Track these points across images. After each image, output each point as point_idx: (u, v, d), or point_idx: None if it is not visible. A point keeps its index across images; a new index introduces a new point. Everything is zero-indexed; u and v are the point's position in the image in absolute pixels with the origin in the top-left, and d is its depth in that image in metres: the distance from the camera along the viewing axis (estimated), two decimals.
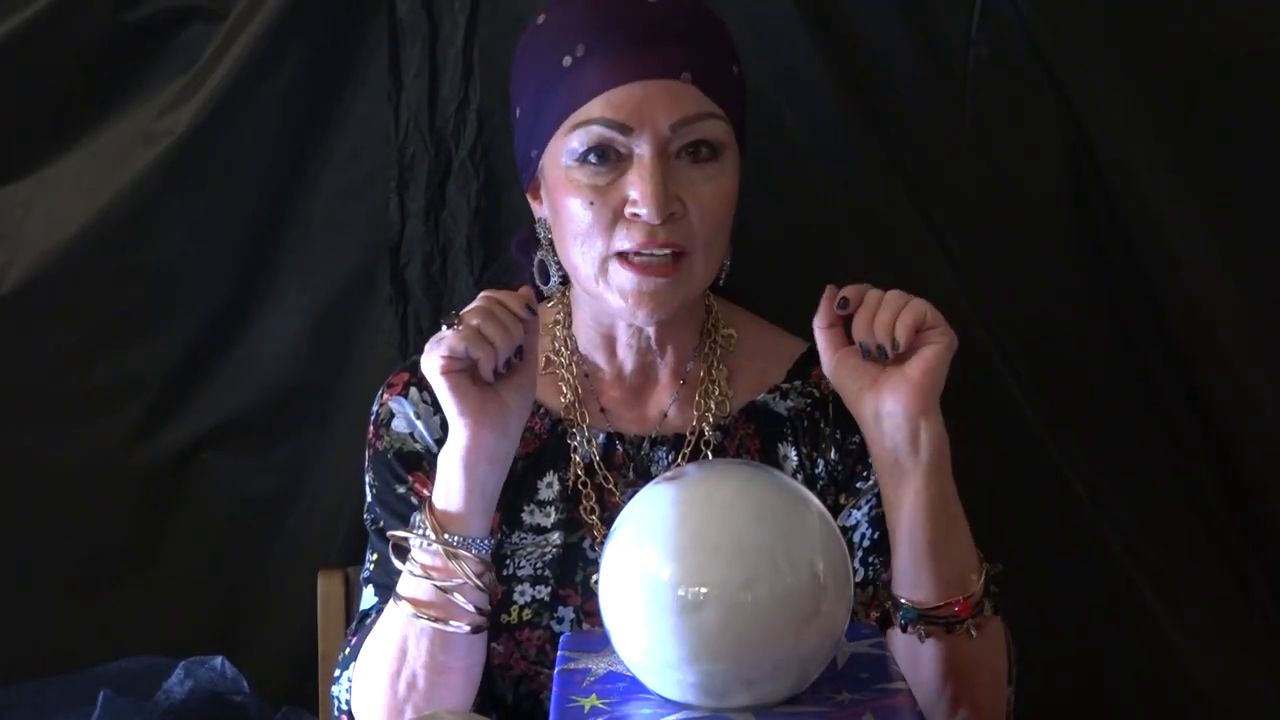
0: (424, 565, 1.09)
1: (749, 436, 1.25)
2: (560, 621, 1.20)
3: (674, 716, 0.95)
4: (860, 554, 1.22)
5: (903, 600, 1.11)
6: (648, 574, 0.94)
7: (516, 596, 1.20)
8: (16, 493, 1.53)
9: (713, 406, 1.25)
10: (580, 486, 1.22)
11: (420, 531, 1.09)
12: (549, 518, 1.22)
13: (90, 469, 1.53)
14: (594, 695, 0.98)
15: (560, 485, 1.23)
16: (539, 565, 1.21)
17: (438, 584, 1.09)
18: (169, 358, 1.54)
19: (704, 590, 0.92)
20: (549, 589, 1.20)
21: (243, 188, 1.53)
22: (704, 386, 1.25)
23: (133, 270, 1.52)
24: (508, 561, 1.21)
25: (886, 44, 1.49)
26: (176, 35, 1.52)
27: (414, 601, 1.10)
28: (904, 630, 1.11)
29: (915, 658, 1.11)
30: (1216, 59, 1.48)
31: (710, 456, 1.23)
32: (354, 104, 1.54)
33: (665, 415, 1.25)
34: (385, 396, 1.25)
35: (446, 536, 1.08)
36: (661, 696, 0.97)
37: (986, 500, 1.35)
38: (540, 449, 1.24)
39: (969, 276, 1.50)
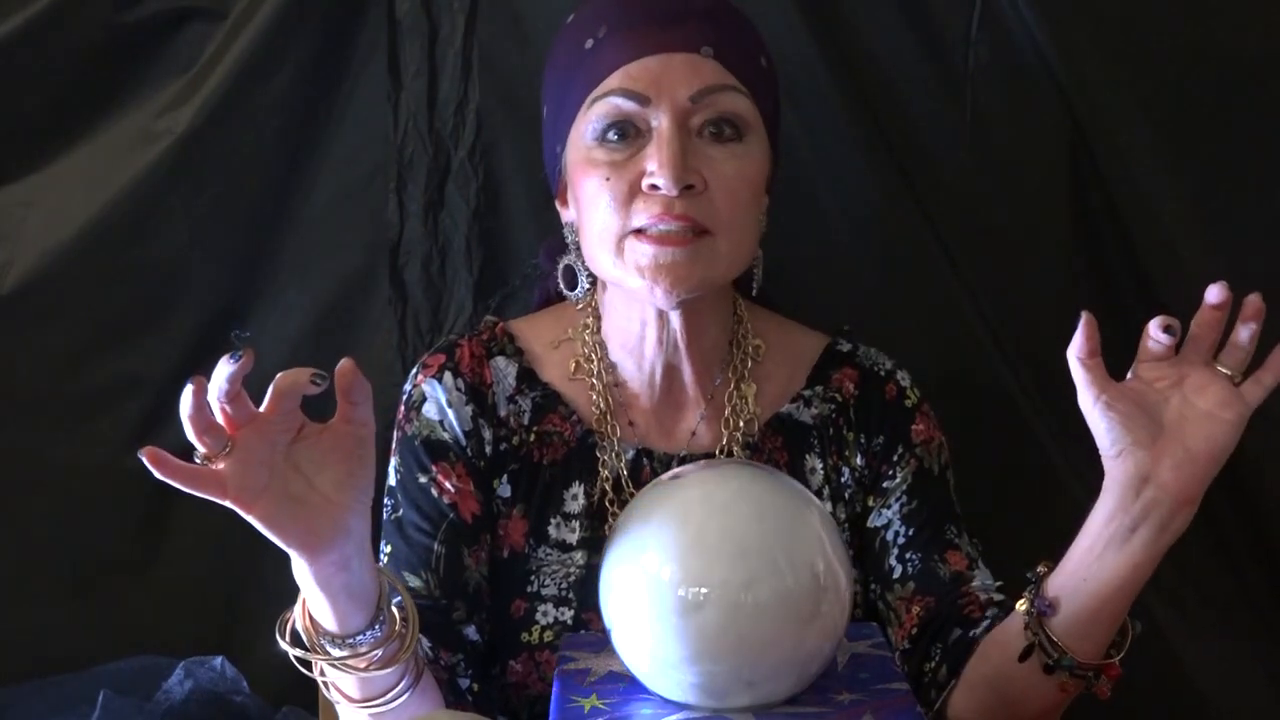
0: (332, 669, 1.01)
1: (777, 450, 1.24)
2: None
3: (674, 717, 0.96)
4: (896, 551, 1.22)
5: (1064, 645, 1.04)
6: (648, 574, 0.94)
7: (539, 616, 1.19)
8: (16, 493, 1.53)
9: (741, 425, 1.23)
10: (607, 504, 1.21)
11: (325, 653, 0.99)
12: (574, 533, 1.21)
13: (90, 469, 1.53)
14: (594, 695, 0.99)
15: (586, 499, 1.21)
16: (563, 586, 1.19)
17: (362, 679, 1.01)
18: (169, 358, 1.54)
19: (704, 591, 0.92)
20: (572, 612, 1.18)
21: (242, 187, 1.53)
22: (733, 405, 1.24)
23: (133, 270, 1.52)
24: (532, 578, 1.20)
25: (886, 44, 1.49)
26: (176, 35, 1.52)
27: (346, 696, 1.03)
28: (1048, 673, 1.05)
29: (1024, 689, 1.07)
30: (1216, 59, 1.48)
31: None
32: (353, 104, 1.54)
33: (694, 434, 1.24)
34: (420, 378, 1.23)
35: (332, 651, 0.99)
36: (662, 697, 0.97)
37: (986, 500, 1.36)
38: (568, 457, 1.22)
39: (969, 276, 1.50)
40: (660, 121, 1.12)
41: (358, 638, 0.99)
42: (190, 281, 1.53)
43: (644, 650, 0.96)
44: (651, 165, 1.11)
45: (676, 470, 1.02)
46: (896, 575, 1.21)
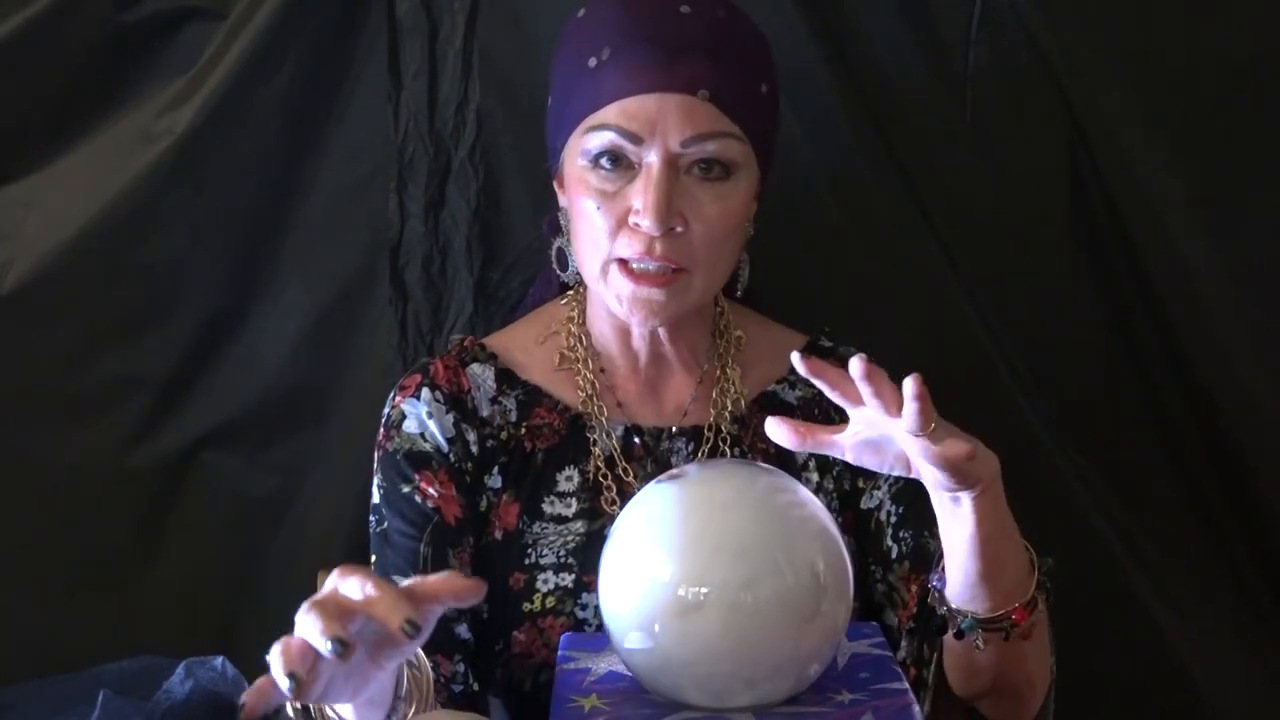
0: None
1: (763, 426, 1.25)
2: (584, 608, 1.19)
3: (674, 717, 0.95)
4: (890, 530, 1.23)
5: (959, 610, 1.07)
6: (648, 574, 0.94)
7: (540, 584, 1.20)
8: (16, 493, 1.53)
9: (729, 404, 1.26)
10: (601, 479, 1.23)
11: None
12: (570, 508, 1.23)
13: (90, 469, 1.53)
14: (594, 695, 0.98)
15: (580, 478, 1.24)
16: (562, 553, 1.21)
17: None
18: (169, 358, 1.54)
19: (704, 590, 0.92)
20: (573, 576, 1.20)
21: (243, 188, 1.53)
22: (720, 385, 1.26)
23: (133, 270, 1.52)
24: (529, 551, 1.21)
25: (886, 45, 1.49)
26: (176, 35, 1.52)
27: None
28: (959, 638, 1.07)
29: (970, 654, 1.09)
30: (1216, 59, 1.48)
31: (727, 449, 1.24)
32: (353, 104, 1.54)
33: (685, 414, 1.26)
34: (397, 399, 1.25)
35: None
36: (662, 697, 0.97)
37: None
38: (559, 444, 1.24)
39: (969, 277, 1.50)
40: (650, 160, 1.14)
41: None
42: (190, 281, 1.53)
43: (643, 650, 0.95)
44: (638, 204, 1.14)
45: (676, 469, 1.02)
46: (894, 555, 1.22)
